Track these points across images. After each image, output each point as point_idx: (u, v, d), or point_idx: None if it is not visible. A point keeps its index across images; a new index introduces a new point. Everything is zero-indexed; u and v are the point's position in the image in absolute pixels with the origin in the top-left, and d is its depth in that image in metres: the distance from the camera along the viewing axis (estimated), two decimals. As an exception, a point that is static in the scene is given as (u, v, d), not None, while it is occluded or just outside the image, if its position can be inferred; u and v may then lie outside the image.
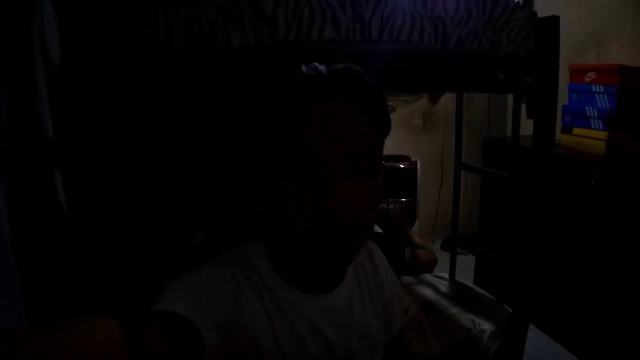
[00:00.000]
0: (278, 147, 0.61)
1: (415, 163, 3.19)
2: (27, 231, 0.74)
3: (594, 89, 2.34)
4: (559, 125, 2.19)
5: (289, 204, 0.60)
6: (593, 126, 2.34)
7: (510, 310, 1.74)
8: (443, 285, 1.95)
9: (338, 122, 0.60)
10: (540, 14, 1.31)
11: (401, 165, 3.15)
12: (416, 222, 3.23)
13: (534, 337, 2.26)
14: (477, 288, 2.17)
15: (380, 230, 2.11)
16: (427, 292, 1.88)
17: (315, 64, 0.64)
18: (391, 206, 3.11)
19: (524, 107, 1.43)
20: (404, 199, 3.13)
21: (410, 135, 3.47)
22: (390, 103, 2.25)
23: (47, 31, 0.77)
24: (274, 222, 0.65)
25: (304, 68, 0.63)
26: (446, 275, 2.11)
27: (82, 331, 0.43)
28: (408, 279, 1.98)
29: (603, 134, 2.25)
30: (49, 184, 0.76)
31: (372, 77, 0.65)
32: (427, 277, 2.02)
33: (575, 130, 2.44)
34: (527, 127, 1.58)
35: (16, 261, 0.71)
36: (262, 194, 0.66)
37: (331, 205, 0.57)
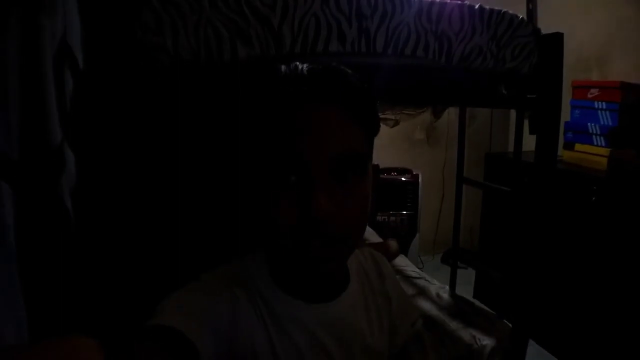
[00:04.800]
0: (262, 149, 0.59)
1: (417, 176, 3.20)
2: (32, 237, 0.74)
3: (596, 106, 2.35)
4: (561, 141, 2.19)
5: (272, 209, 0.58)
6: (595, 142, 2.35)
7: (510, 325, 1.73)
8: (443, 299, 1.94)
9: (320, 123, 0.57)
10: (544, 31, 1.33)
11: (403, 178, 3.16)
12: (417, 235, 3.24)
13: (534, 353, 2.25)
14: (477, 302, 2.17)
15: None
16: (427, 306, 1.87)
17: (297, 63, 0.61)
18: (392, 219, 3.13)
19: (526, 123, 1.44)
20: (405, 212, 3.15)
21: (412, 149, 3.48)
22: (393, 116, 2.26)
23: (70, 33, 0.77)
24: (262, 227, 0.63)
25: (283, 68, 0.61)
26: (447, 287, 2.10)
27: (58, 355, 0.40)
28: (408, 291, 1.98)
29: (605, 151, 2.25)
30: (56, 190, 0.76)
31: (359, 76, 0.62)
32: (428, 289, 2.01)
33: (578, 147, 2.45)
34: (529, 142, 1.59)
35: (20, 268, 0.71)
36: (253, 198, 0.64)
37: (314, 214, 0.54)
